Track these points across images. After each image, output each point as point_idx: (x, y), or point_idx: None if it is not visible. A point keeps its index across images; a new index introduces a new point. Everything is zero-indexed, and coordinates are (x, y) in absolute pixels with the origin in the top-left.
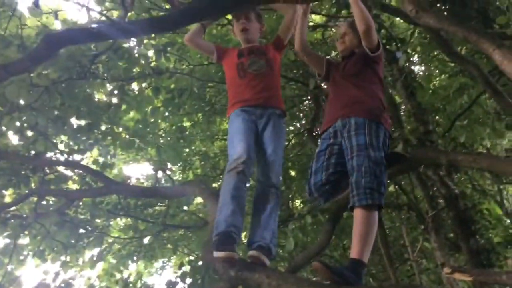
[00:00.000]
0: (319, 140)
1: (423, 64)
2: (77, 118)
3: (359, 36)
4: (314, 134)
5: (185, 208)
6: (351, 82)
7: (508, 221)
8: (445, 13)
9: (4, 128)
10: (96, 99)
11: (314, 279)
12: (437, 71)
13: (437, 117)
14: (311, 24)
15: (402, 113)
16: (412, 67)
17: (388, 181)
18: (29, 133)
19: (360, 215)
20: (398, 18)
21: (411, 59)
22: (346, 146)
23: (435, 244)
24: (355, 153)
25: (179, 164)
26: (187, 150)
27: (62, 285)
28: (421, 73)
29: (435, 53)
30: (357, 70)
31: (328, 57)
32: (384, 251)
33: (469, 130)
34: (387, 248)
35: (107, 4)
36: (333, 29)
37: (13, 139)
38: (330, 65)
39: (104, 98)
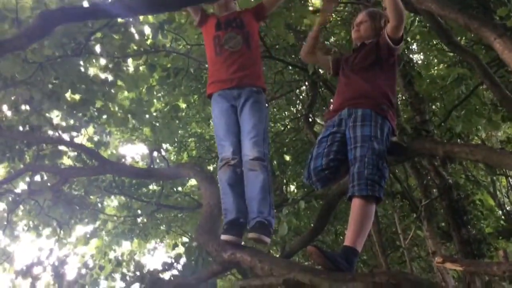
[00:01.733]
0: (323, 127)
1: (422, 53)
2: (71, 93)
3: (375, 28)
4: (310, 119)
5: (180, 189)
6: (360, 75)
7: (500, 212)
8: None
9: None
10: (91, 75)
11: (306, 263)
12: (435, 61)
13: (434, 107)
14: (310, 8)
15: (399, 101)
16: (411, 56)
17: None
18: (24, 107)
19: (358, 204)
20: None
21: (410, 47)
22: (350, 135)
23: (427, 232)
24: (359, 144)
25: (174, 145)
26: (182, 131)
27: (56, 263)
28: (420, 61)
29: (435, 42)
30: (368, 64)
31: (335, 50)
32: (376, 238)
33: (465, 120)
34: (379, 235)
35: None
36: (333, 14)
37: (8, 113)
38: (337, 62)
39: (99, 74)
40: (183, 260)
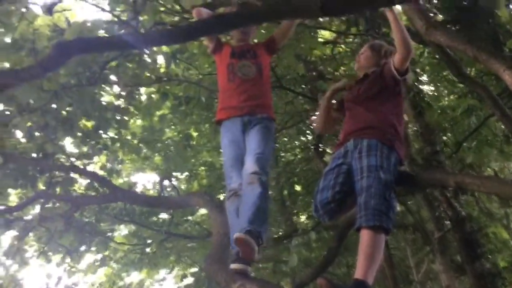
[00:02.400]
0: (330, 158)
1: (432, 84)
2: (85, 120)
3: (376, 58)
4: (320, 149)
5: (190, 218)
6: (364, 106)
7: None
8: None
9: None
10: (104, 103)
11: None
12: (446, 91)
13: (444, 138)
14: (320, 40)
15: (410, 132)
16: (421, 87)
17: None
18: (38, 134)
19: (367, 236)
20: None
21: (420, 78)
22: (356, 166)
23: (441, 266)
24: (365, 174)
25: (185, 174)
26: (193, 160)
27: None
28: (430, 92)
29: (444, 73)
30: (373, 93)
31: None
32: (388, 271)
33: (476, 151)
34: (392, 269)
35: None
36: (342, 45)
37: (23, 139)
38: (341, 102)
39: (113, 101)
40: None
